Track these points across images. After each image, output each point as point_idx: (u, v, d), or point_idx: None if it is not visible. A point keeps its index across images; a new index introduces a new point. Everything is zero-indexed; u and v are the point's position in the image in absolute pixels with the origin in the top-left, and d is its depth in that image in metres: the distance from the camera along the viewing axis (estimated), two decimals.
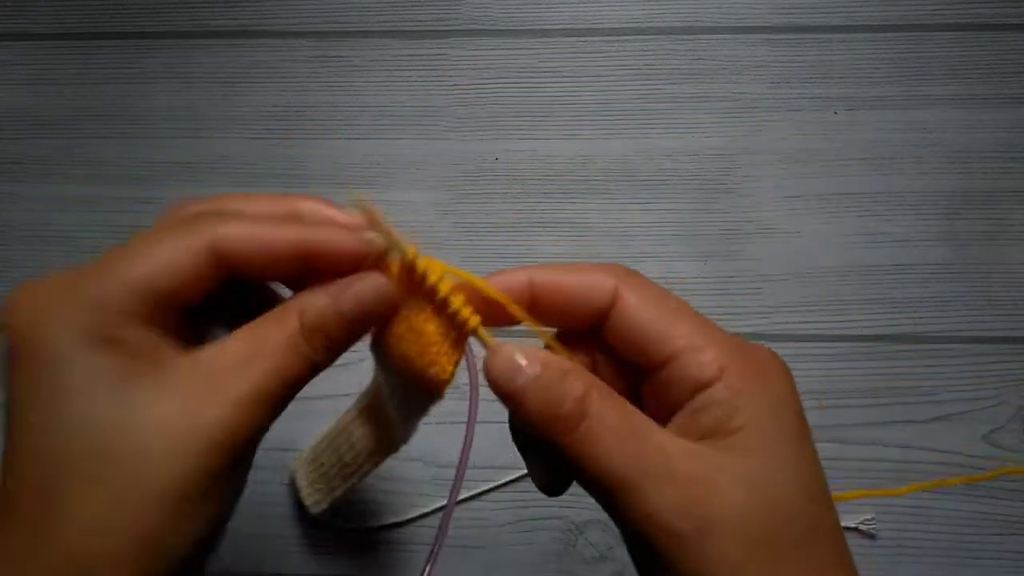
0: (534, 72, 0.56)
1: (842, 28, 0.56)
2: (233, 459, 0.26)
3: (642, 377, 0.28)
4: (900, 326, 0.52)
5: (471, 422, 0.30)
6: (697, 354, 0.26)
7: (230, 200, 0.29)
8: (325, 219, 0.28)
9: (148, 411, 0.25)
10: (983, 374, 0.51)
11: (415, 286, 0.28)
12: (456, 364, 0.29)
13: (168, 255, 0.26)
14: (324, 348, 0.27)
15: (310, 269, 0.28)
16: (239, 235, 0.26)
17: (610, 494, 0.25)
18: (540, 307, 0.28)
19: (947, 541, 0.49)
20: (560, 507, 0.49)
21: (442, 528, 0.30)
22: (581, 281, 0.28)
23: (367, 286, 0.27)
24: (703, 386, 0.26)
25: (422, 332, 0.28)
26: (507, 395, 0.27)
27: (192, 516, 0.25)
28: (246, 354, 0.26)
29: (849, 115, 0.55)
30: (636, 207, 0.54)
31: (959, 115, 0.55)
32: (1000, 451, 0.50)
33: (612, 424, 0.26)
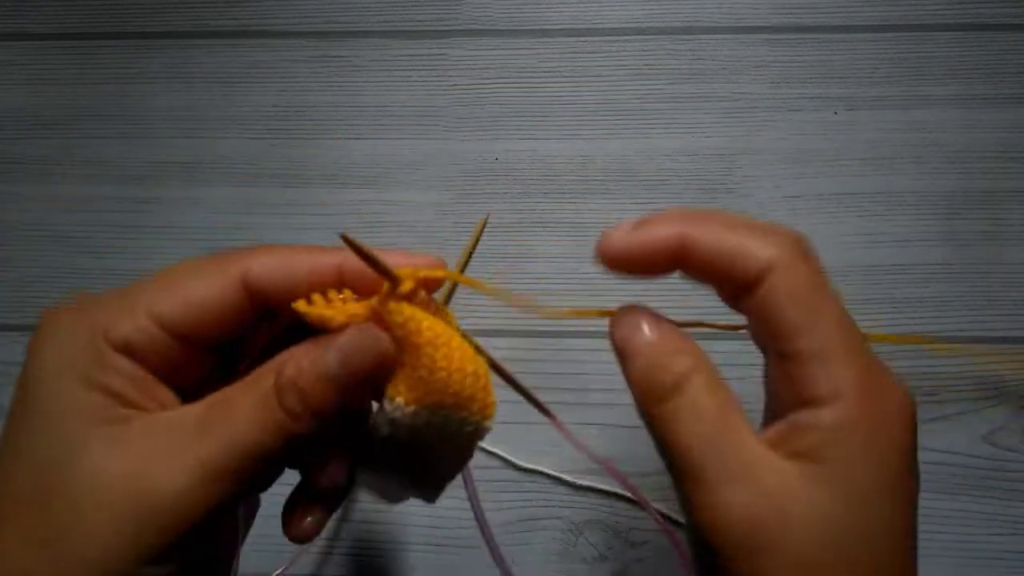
0: (534, 72, 0.56)
1: (842, 28, 0.56)
2: (175, 536, 0.23)
3: (767, 360, 0.27)
4: (900, 326, 0.52)
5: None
6: (820, 367, 0.24)
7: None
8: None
9: (93, 466, 0.23)
10: (983, 374, 0.51)
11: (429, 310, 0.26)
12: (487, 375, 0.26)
13: (196, 293, 0.25)
14: (302, 414, 0.24)
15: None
16: (268, 264, 0.25)
17: (680, 481, 0.25)
18: (689, 264, 0.26)
19: (947, 541, 0.49)
20: (560, 507, 0.49)
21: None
22: (734, 248, 0.25)
23: (354, 339, 0.24)
24: (813, 403, 0.24)
25: (455, 347, 0.25)
26: (620, 351, 0.26)
27: None
28: (208, 418, 0.24)
29: (849, 115, 0.55)
30: (636, 207, 0.54)
31: (959, 115, 0.55)
32: (1000, 451, 0.50)
33: (701, 411, 0.25)
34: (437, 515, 0.49)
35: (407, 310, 0.25)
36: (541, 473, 0.49)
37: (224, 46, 0.58)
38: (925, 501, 0.49)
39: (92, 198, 0.56)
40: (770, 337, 0.25)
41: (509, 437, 0.49)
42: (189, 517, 0.23)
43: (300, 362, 0.24)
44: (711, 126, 0.55)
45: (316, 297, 0.26)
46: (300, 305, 0.25)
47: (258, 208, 0.55)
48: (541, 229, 0.54)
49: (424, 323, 0.25)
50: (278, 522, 0.28)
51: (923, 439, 0.50)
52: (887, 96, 0.55)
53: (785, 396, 0.25)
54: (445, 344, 0.25)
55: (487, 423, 0.26)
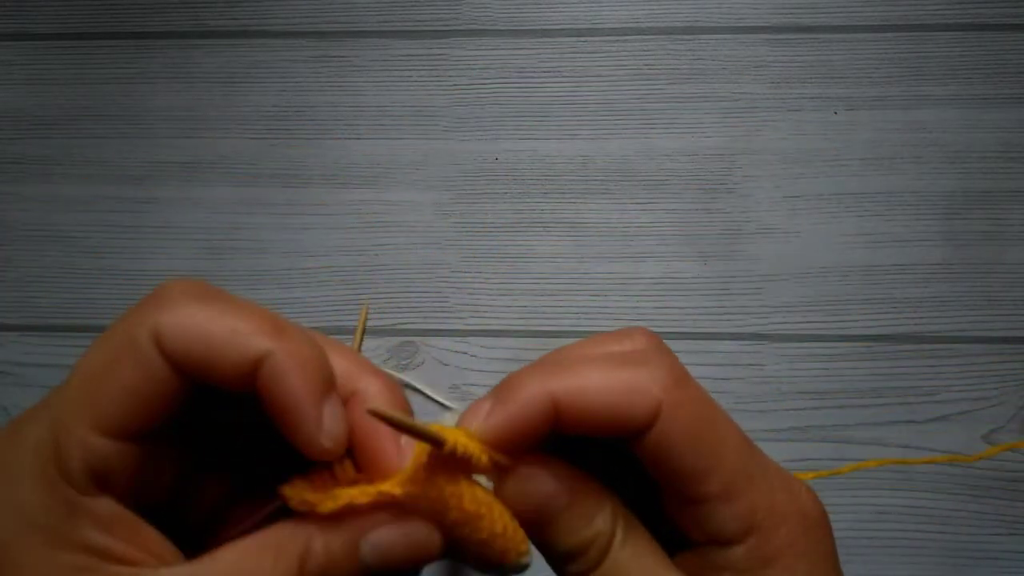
0: (534, 72, 0.56)
1: (842, 28, 0.56)
2: None
3: (666, 497, 0.25)
4: (900, 326, 0.52)
5: None
6: (727, 507, 0.23)
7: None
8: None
9: None
10: (983, 374, 0.51)
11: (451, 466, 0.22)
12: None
13: (118, 383, 0.21)
14: None
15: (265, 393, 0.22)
16: (180, 328, 0.21)
17: None
18: (564, 424, 0.23)
19: (947, 541, 0.49)
20: None
21: None
22: (616, 396, 0.22)
23: (400, 536, 0.22)
24: (723, 542, 0.23)
25: (485, 515, 0.23)
26: (530, 521, 0.23)
27: None
28: None
29: (849, 115, 0.55)
30: (636, 207, 0.54)
31: (959, 115, 0.55)
32: (1000, 451, 0.50)
33: (630, 568, 0.23)
34: None
35: (458, 489, 0.23)
36: None
37: (224, 46, 0.58)
38: (925, 501, 0.49)
39: (92, 198, 0.56)
40: (667, 482, 0.23)
41: None
42: None
43: (330, 547, 0.22)
44: (711, 126, 0.55)
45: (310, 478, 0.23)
46: (288, 490, 0.22)
47: (258, 208, 0.55)
48: (541, 229, 0.54)
49: (465, 497, 0.23)
50: None
51: (923, 439, 0.50)
52: (887, 96, 0.55)
53: (689, 527, 0.24)
54: (488, 514, 0.23)
55: (524, 559, 0.24)
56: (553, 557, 0.24)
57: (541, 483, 0.23)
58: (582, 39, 0.57)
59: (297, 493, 0.22)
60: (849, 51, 0.56)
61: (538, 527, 0.23)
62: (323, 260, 0.54)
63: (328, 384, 0.22)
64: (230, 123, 0.57)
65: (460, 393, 0.51)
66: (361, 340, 0.25)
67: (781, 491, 0.23)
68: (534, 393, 0.22)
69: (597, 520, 0.23)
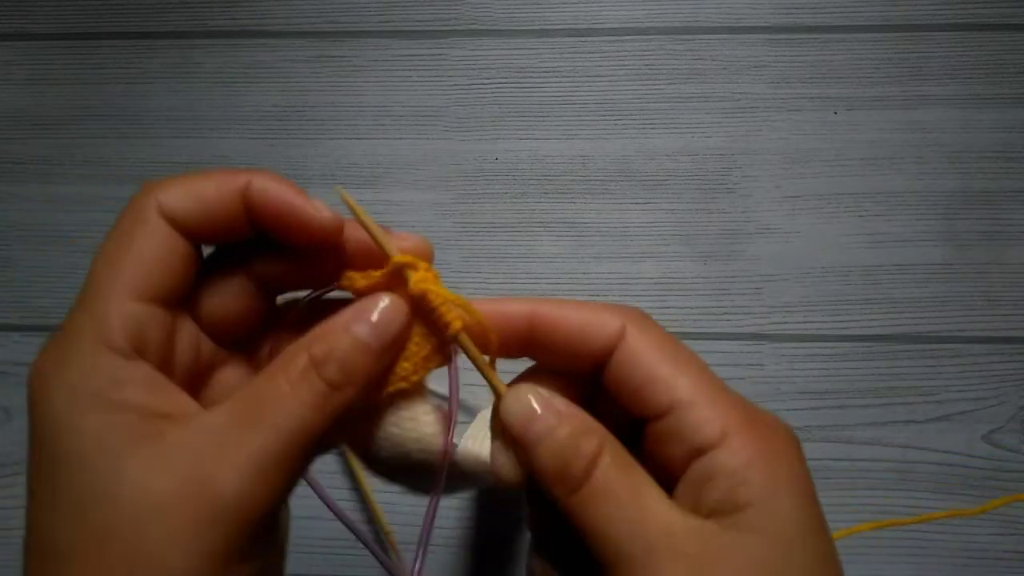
0: (534, 72, 0.56)
1: (842, 28, 0.56)
2: (247, 535, 0.23)
3: (644, 434, 0.26)
4: (900, 326, 0.52)
5: (451, 429, 0.28)
6: (699, 410, 0.24)
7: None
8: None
9: (145, 487, 0.22)
10: (983, 374, 0.51)
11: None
12: (425, 369, 0.27)
13: (143, 251, 0.25)
14: (344, 384, 0.24)
15: (262, 231, 0.26)
16: (176, 194, 0.25)
17: (606, 567, 0.23)
18: (539, 342, 0.26)
19: (947, 541, 0.49)
20: None
21: (428, 521, 0.29)
22: (585, 318, 0.26)
23: (386, 308, 0.26)
24: (704, 448, 0.24)
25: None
26: (519, 440, 0.25)
27: None
28: (246, 412, 0.24)
29: (849, 115, 0.55)
30: (636, 207, 0.54)
31: (959, 115, 0.55)
32: (1000, 451, 0.50)
33: (616, 494, 0.24)
34: (436, 515, 0.49)
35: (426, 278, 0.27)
36: None
37: (224, 46, 0.58)
38: (925, 501, 0.49)
39: (92, 198, 0.56)
40: (639, 401, 0.25)
41: None
42: (255, 514, 0.23)
43: (330, 337, 0.25)
44: (711, 126, 0.55)
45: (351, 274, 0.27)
46: (347, 281, 0.27)
47: None
48: (541, 229, 0.54)
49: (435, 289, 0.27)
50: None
51: (923, 439, 0.50)
52: (887, 96, 0.55)
53: (674, 456, 0.25)
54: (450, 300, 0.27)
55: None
56: (541, 476, 0.25)
57: (532, 401, 0.25)
58: (582, 39, 0.57)
59: (346, 279, 0.27)
60: (849, 51, 0.56)
61: (527, 445, 0.25)
62: None
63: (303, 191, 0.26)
64: (230, 123, 0.57)
65: (461, 393, 0.51)
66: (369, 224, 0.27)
67: (754, 410, 0.25)
68: (518, 303, 0.26)
69: (583, 443, 0.24)
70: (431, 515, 0.30)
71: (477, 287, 0.53)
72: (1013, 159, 0.54)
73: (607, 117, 0.56)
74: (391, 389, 0.27)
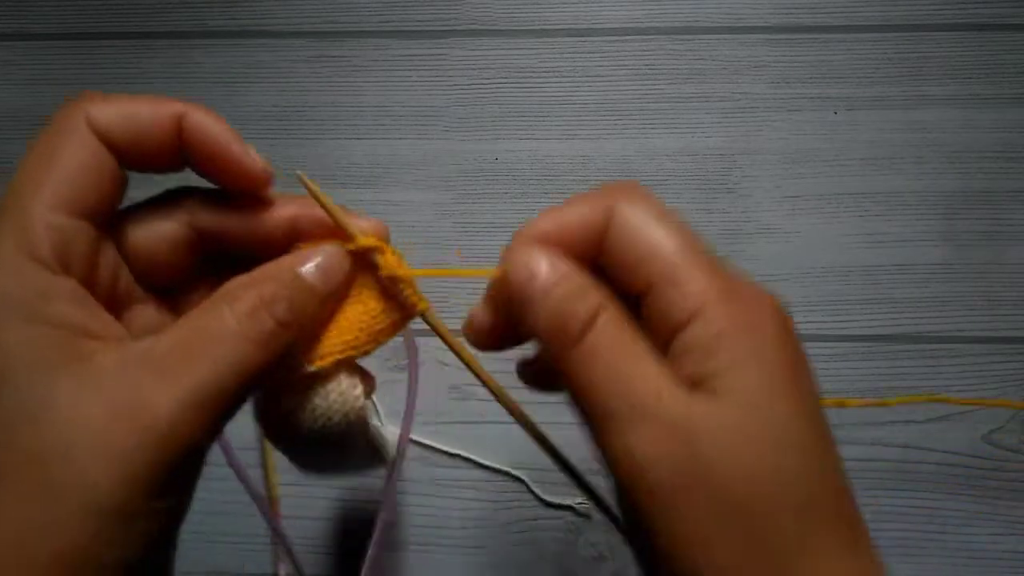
0: (534, 72, 0.56)
1: (842, 28, 0.56)
2: (173, 468, 0.22)
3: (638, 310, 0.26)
4: (900, 326, 0.52)
5: (411, 408, 0.29)
6: (676, 287, 0.24)
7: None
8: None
9: (76, 409, 0.22)
10: (983, 374, 0.51)
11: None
12: (377, 342, 0.28)
13: (66, 167, 0.23)
14: (292, 322, 0.25)
15: (192, 165, 0.26)
16: (108, 110, 0.24)
17: (593, 425, 0.24)
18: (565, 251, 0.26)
19: (947, 541, 0.49)
20: (560, 507, 0.49)
21: (386, 504, 0.29)
22: (580, 212, 0.26)
23: (331, 254, 0.27)
24: (683, 323, 0.24)
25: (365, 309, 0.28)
26: (518, 297, 0.25)
27: (125, 533, 0.22)
28: (192, 341, 0.23)
29: (849, 115, 0.55)
30: None
31: (959, 115, 0.55)
32: (1000, 451, 0.50)
33: (611, 350, 0.24)
34: (436, 515, 0.49)
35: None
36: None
37: (224, 46, 0.58)
38: (925, 501, 0.49)
39: None
40: (626, 276, 0.25)
41: (510, 436, 0.49)
42: (185, 446, 0.22)
43: (279, 277, 0.25)
44: (711, 126, 0.55)
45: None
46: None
47: None
48: None
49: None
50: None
51: (923, 439, 0.50)
52: (887, 96, 0.55)
53: (660, 332, 0.25)
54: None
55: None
56: (538, 334, 0.25)
57: (537, 260, 0.25)
58: (582, 39, 0.57)
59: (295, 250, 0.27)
60: (849, 51, 0.56)
61: (526, 301, 0.25)
62: None
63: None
64: (230, 123, 0.56)
65: (461, 393, 0.51)
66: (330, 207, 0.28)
67: (737, 282, 0.25)
68: (529, 237, 0.26)
69: (582, 302, 0.24)
70: (392, 482, 0.30)
71: (477, 287, 0.53)
72: (1013, 159, 0.54)
73: (607, 117, 0.56)
74: (340, 356, 0.27)
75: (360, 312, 0.28)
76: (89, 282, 0.24)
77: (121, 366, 0.22)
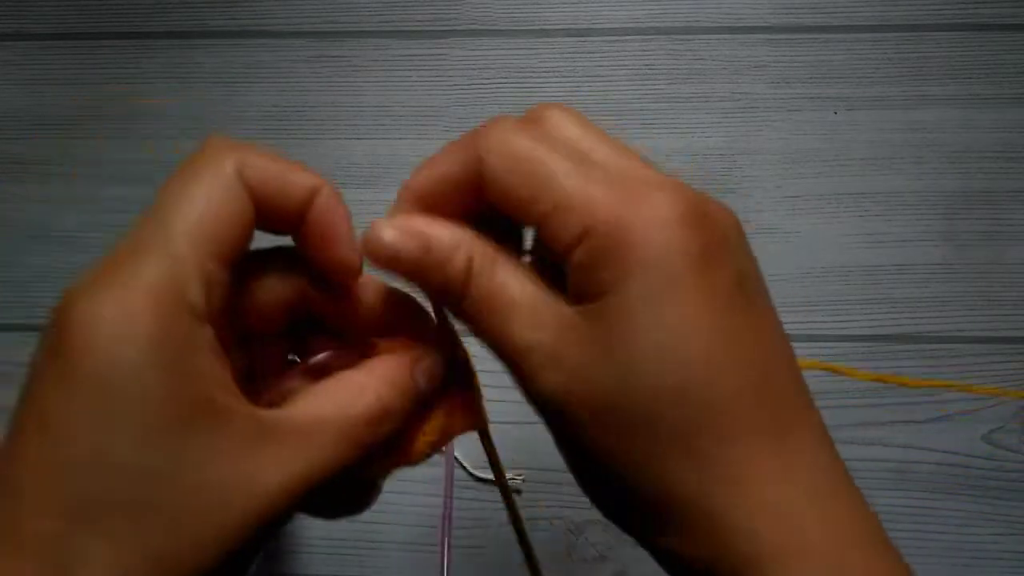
0: (534, 72, 0.56)
1: (842, 28, 0.56)
2: (253, 547, 0.23)
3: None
4: (900, 326, 0.52)
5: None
6: (561, 216, 0.23)
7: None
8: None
9: (197, 473, 0.21)
10: (983, 374, 0.51)
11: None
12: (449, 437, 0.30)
13: (208, 207, 0.23)
14: (388, 434, 0.25)
15: (300, 233, 0.25)
16: (261, 166, 0.24)
17: (507, 368, 0.25)
18: (437, 210, 0.25)
19: (947, 541, 0.49)
20: (560, 507, 0.49)
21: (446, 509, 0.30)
22: (448, 169, 0.25)
23: (436, 362, 0.27)
24: (569, 250, 0.23)
25: None
26: (399, 269, 0.25)
27: None
28: (312, 430, 0.24)
29: (849, 115, 0.55)
30: None
31: (959, 115, 0.55)
32: (1000, 451, 0.50)
33: (492, 294, 0.24)
34: (435, 515, 0.49)
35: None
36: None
37: (224, 46, 0.58)
38: (925, 501, 0.49)
39: (92, 198, 0.56)
40: (520, 217, 0.24)
41: (509, 437, 0.49)
42: (271, 525, 0.23)
43: (399, 384, 0.26)
44: (711, 126, 0.55)
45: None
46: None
47: None
48: None
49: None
50: None
51: (923, 439, 0.50)
52: (887, 96, 0.55)
53: (556, 261, 0.24)
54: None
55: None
56: (431, 296, 0.26)
57: (388, 236, 0.24)
58: (582, 39, 0.57)
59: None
60: (849, 51, 0.56)
61: (405, 277, 0.25)
62: None
63: None
64: (230, 123, 0.57)
65: None
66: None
67: (625, 190, 0.23)
68: (403, 209, 0.26)
69: (449, 262, 0.24)
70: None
71: None
72: (1013, 159, 0.54)
73: (607, 117, 0.56)
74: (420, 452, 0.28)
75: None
76: (220, 332, 0.24)
77: (251, 434, 0.22)
